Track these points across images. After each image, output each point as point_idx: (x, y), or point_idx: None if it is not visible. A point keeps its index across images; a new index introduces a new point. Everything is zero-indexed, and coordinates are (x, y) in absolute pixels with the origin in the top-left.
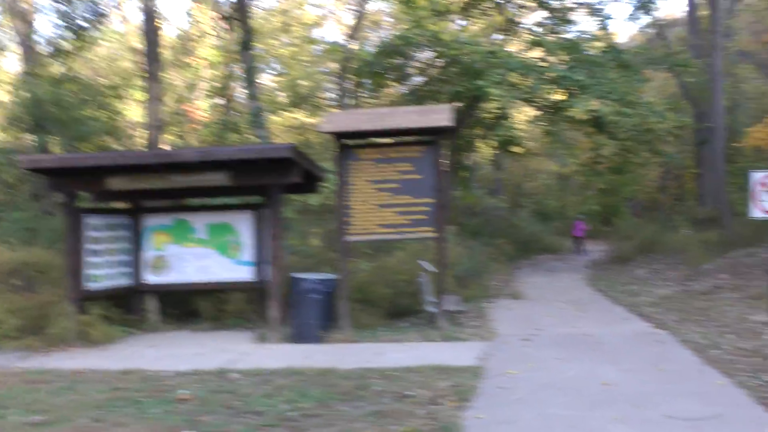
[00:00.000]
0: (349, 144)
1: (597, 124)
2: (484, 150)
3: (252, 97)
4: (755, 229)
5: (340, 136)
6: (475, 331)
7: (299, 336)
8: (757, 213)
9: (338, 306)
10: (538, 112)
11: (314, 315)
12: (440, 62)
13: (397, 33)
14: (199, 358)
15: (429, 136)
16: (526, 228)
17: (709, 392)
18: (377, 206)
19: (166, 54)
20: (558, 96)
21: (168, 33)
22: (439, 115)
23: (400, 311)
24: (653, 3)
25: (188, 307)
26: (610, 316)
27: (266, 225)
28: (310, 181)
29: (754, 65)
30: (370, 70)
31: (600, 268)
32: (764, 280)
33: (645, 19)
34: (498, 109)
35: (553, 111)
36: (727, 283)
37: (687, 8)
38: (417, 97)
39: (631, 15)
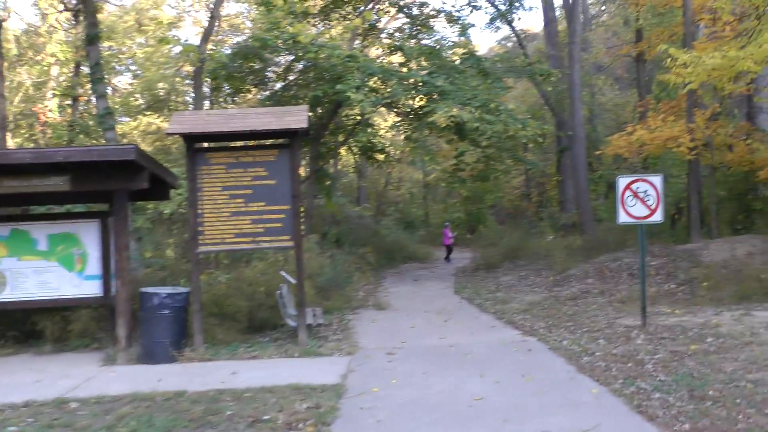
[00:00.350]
0: (200, 147)
1: (459, 130)
2: (347, 157)
3: (100, 96)
4: (618, 234)
5: (189, 138)
6: (337, 345)
7: (149, 356)
8: (624, 218)
9: (192, 322)
10: (399, 119)
11: (165, 332)
12: (299, 66)
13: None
14: (37, 387)
15: (284, 138)
16: (390, 236)
17: (585, 402)
18: (230, 214)
19: (11, 49)
20: (419, 102)
21: (14, 26)
22: (294, 117)
23: (259, 325)
24: (514, 10)
25: (29, 327)
26: (478, 325)
27: (114, 235)
28: (160, 188)
29: (610, 78)
30: (227, 72)
31: (466, 275)
32: (629, 284)
33: (504, 30)
34: (359, 114)
35: (415, 117)
36: (594, 287)
37: (544, 21)
38: (276, 102)
39: (490, 22)
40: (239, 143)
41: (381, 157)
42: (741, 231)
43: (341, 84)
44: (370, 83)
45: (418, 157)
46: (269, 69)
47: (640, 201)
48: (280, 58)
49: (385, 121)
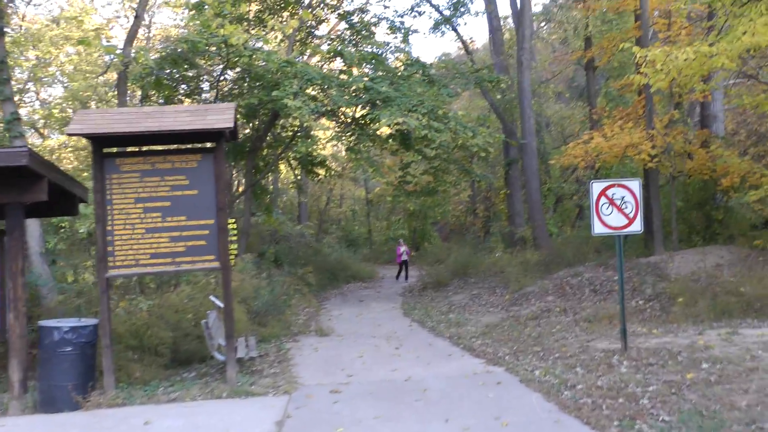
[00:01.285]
0: (110, 152)
1: (404, 140)
2: (288, 174)
3: (5, 99)
4: (574, 248)
5: (95, 140)
6: (273, 381)
7: (49, 403)
8: (600, 229)
9: (102, 359)
10: (340, 129)
11: (67, 374)
12: (233, 74)
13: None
14: None
15: (208, 142)
16: (332, 255)
17: None
18: (145, 231)
19: None
20: (361, 111)
21: None
22: (219, 116)
23: (186, 358)
24: (459, 15)
25: None
26: (433, 353)
27: (8, 258)
28: (66, 201)
29: (558, 88)
30: (155, 79)
31: (414, 295)
32: (593, 301)
33: (448, 42)
34: (297, 126)
35: (357, 127)
36: (555, 305)
37: (489, 30)
38: None
39: (434, 28)
40: (156, 147)
41: (322, 171)
42: (700, 242)
43: (277, 91)
44: (309, 91)
45: (361, 170)
46: (203, 77)
47: (616, 209)
48: (214, 66)
49: (324, 134)
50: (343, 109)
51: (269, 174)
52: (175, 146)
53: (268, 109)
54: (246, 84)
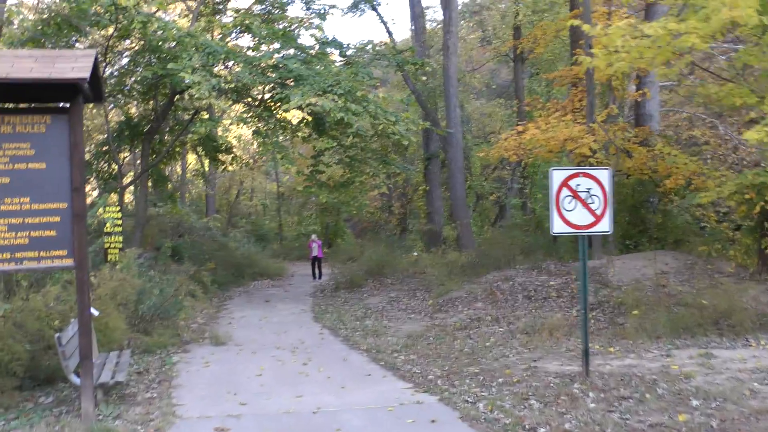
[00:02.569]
0: None
1: (317, 125)
2: (194, 162)
3: None
4: (504, 249)
5: None
6: (145, 412)
7: None
8: (560, 227)
9: None
10: (246, 110)
11: None
12: (127, 44)
13: None
14: None
15: (60, 99)
16: (239, 250)
17: None
18: None
19: None
20: (270, 92)
21: None
22: (71, 63)
23: (47, 376)
24: None
25: None
26: (349, 371)
27: None
28: None
29: (480, 82)
30: (34, 44)
31: (326, 296)
32: (527, 309)
33: (370, 17)
34: (198, 106)
35: (264, 108)
36: (486, 313)
37: (411, 16)
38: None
39: (353, 7)
40: None
41: (226, 158)
42: (635, 247)
43: (174, 63)
44: (212, 68)
45: (269, 156)
46: (95, 48)
47: (581, 203)
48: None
49: (228, 115)
50: (249, 89)
51: (170, 160)
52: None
53: (165, 85)
54: (142, 58)
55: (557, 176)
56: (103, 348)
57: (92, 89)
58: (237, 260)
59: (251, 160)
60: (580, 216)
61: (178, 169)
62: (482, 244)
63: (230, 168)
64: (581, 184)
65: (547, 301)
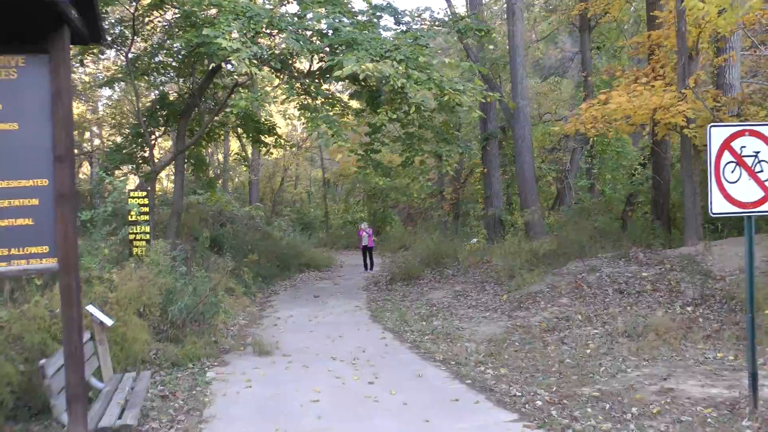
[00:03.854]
0: None
1: (372, 97)
2: (234, 147)
3: None
4: (578, 235)
5: None
6: None
7: None
8: (721, 205)
9: None
10: (293, 83)
11: None
12: (163, 17)
13: None
14: None
15: (34, 33)
16: (284, 239)
17: None
18: None
19: None
20: (319, 62)
21: None
22: None
23: (44, 404)
24: None
25: None
26: (429, 394)
27: None
28: None
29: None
30: None
31: (381, 289)
32: (621, 305)
33: None
34: (239, 76)
35: (313, 81)
36: (574, 311)
37: None
38: (138, 68)
39: None
40: None
41: (270, 139)
42: (723, 232)
43: (210, 28)
44: (254, 36)
45: (317, 135)
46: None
47: (747, 172)
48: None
49: (273, 92)
50: (295, 59)
51: (209, 143)
52: None
53: (205, 62)
54: (177, 30)
55: (717, 135)
56: (120, 365)
57: (85, 24)
58: (282, 251)
59: (296, 144)
60: (745, 189)
61: (220, 156)
62: (557, 230)
63: (273, 152)
64: (747, 145)
65: (642, 296)
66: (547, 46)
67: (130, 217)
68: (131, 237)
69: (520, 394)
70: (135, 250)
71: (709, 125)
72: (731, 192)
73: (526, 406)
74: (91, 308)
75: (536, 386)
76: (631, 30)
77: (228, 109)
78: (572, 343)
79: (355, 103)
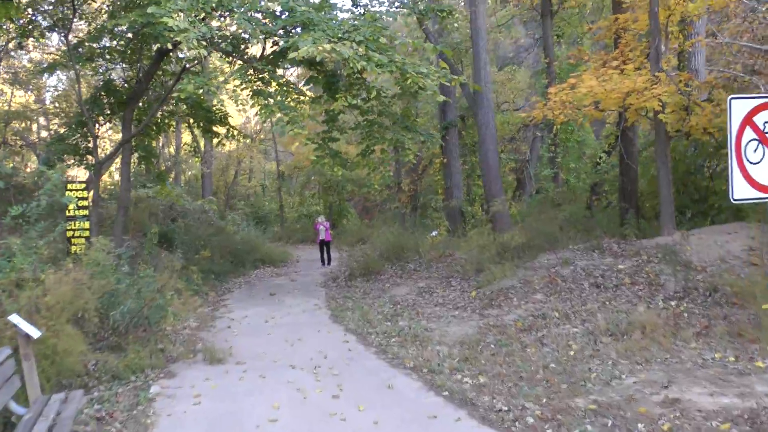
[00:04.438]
0: None
1: (329, 83)
2: (187, 139)
3: None
4: (549, 225)
5: None
6: None
7: None
8: (743, 189)
9: None
10: (241, 66)
11: None
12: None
13: None
14: None
15: None
16: (238, 234)
17: None
18: None
19: None
20: (272, 48)
21: None
22: None
23: None
24: None
25: None
26: (403, 410)
27: None
28: None
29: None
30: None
31: (340, 286)
32: (599, 300)
33: None
34: (189, 61)
35: (267, 65)
36: (550, 307)
37: None
38: (83, 53)
39: None
40: None
41: (222, 129)
42: (687, 220)
43: (155, 6)
44: (203, 16)
45: (271, 119)
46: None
47: None
48: None
49: (221, 70)
50: (247, 43)
51: (157, 133)
52: None
53: (152, 47)
54: (122, 11)
55: (738, 109)
56: (50, 383)
57: None
58: (236, 246)
59: (249, 136)
60: None
61: (173, 149)
62: (522, 221)
63: (226, 144)
64: None
65: (620, 290)
66: (504, 37)
67: (67, 211)
68: (69, 234)
69: (506, 408)
70: (73, 248)
71: (729, 97)
72: (754, 174)
73: (516, 424)
74: (14, 318)
75: (523, 398)
76: (592, 17)
77: (175, 94)
78: (552, 344)
79: (310, 93)
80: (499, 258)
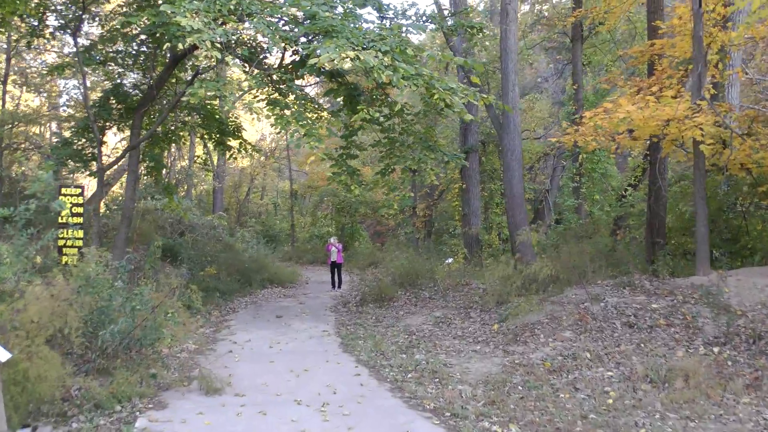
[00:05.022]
0: None
1: (350, 96)
2: (199, 149)
3: None
4: (578, 258)
5: None
6: None
7: None
8: None
9: None
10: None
11: None
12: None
13: None
14: None
15: None
16: (247, 251)
17: None
18: None
19: None
20: (292, 57)
21: None
22: None
23: None
24: None
25: None
26: None
27: None
28: None
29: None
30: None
31: (351, 312)
32: (633, 341)
33: None
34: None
35: (285, 74)
36: (580, 347)
37: None
38: (96, 54)
39: None
40: None
41: (235, 143)
42: (719, 259)
43: (167, 4)
44: (219, 18)
45: (286, 131)
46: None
47: None
48: None
49: (233, 77)
50: (265, 51)
51: (167, 143)
52: None
53: (166, 53)
54: (134, 13)
55: None
56: (19, 413)
57: None
58: (244, 264)
59: (262, 151)
60: None
61: (186, 163)
62: (548, 252)
63: (238, 159)
64: None
65: (655, 332)
66: (530, 61)
67: (60, 218)
68: (61, 243)
69: None
70: (63, 258)
71: None
72: None
73: None
74: None
75: None
76: (622, 45)
77: (185, 99)
78: (587, 389)
79: (327, 114)
80: (523, 290)
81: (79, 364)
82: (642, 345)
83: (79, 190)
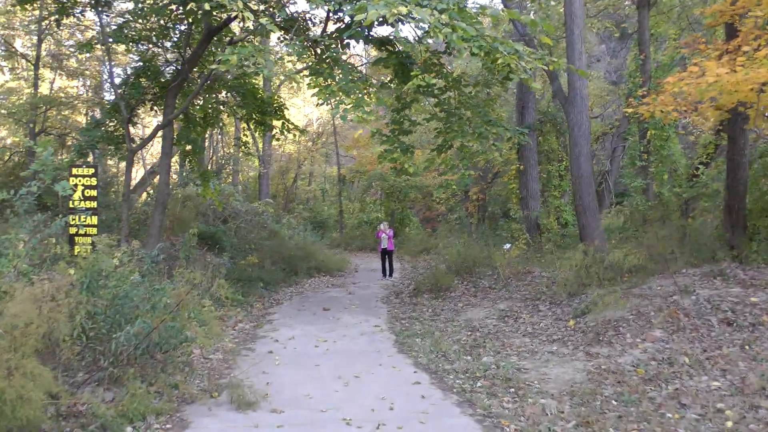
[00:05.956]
0: None
1: (401, 65)
2: (230, 126)
3: None
4: (662, 244)
5: None
6: None
7: None
8: None
9: None
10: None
11: None
12: None
13: None
14: None
15: None
16: (293, 238)
17: None
18: None
19: None
20: (337, 24)
21: None
22: None
23: None
24: None
25: None
26: None
27: None
28: None
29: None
30: None
31: (404, 303)
32: (734, 342)
33: None
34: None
35: (330, 38)
36: (675, 348)
37: None
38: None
39: None
40: None
41: (277, 122)
42: None
43: None
44: None
45: (328, 101)
46: None
47: None
48: None
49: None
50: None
51: (203, 127)
52: None
53: (196, 18)
54: None
55: None
56: None
57: None
58: (290, 252)
59: (306, 131)
60: None
61: (231, 149)
62: (624, 235)
63: (282, 142)
64: None
65: (758, 330)
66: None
67: (71, 203)
68: (72, 230)
69: None
70: (76, 248)
71: None
72: None
73: None
74: None
75: None
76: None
77: (214, 67)
78: (695, 404)
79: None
80: (599, 280)
81: (92, 371)
82: (747, 347)
83: (92, 170)
